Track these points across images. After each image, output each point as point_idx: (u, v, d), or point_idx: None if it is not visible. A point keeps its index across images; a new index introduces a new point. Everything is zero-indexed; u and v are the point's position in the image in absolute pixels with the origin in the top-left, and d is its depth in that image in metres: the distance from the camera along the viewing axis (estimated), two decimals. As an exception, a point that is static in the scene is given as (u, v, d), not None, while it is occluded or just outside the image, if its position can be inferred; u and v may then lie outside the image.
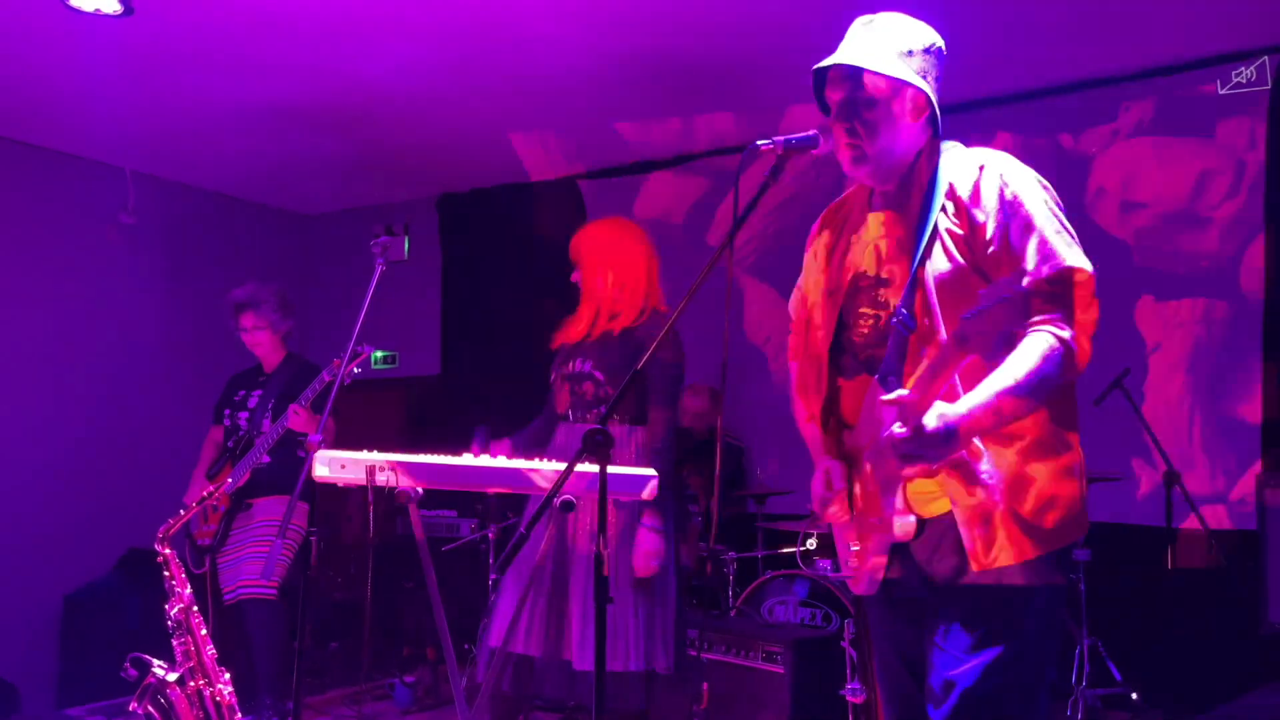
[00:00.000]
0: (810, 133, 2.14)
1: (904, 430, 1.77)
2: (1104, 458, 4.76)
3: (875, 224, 2.12)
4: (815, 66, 2.12)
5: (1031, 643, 1.92)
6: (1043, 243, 1.86)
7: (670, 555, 3.13)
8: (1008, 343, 1.86)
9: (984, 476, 1.89)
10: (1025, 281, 1.84)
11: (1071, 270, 1.85)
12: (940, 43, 2.11)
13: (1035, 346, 1.81)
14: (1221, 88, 4.85)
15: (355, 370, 3.59)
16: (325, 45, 4.81)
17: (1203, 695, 3.99)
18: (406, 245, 7.66)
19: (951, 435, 1.76)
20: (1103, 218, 5.09)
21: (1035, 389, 1.80)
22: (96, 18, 3.95)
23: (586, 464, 2.12)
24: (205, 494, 3.77)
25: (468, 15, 4.58)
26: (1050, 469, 1.91)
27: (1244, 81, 4.81)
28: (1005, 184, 1.94)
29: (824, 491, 2.17)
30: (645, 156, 6.52)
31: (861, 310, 2.09)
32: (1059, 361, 1.80)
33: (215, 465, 4.36)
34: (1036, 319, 1.84)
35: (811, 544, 4.68)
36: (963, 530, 1.91)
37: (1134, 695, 4.35)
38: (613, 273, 3.28)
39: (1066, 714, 4.09)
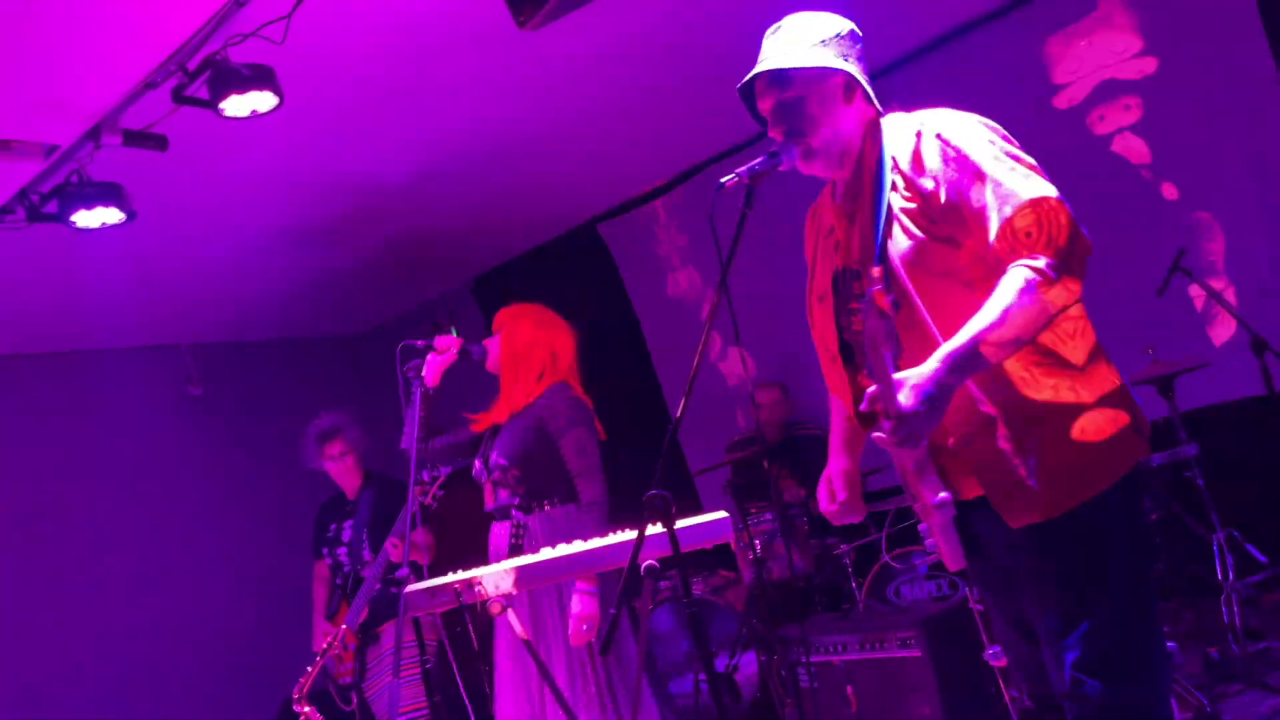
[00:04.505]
0: (771, 152, 2.18)
1: (888, 422, 1.76)
2: (1186, 345, 4.62)
3: (840, 217, 2.14)
4: (738, 86, 2.14)
5: (1124, 588, 1.87)
6: (997, 185, 1.82)
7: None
8: (990, 283, 1.82)
9: (1001, 442, 1.87)
10: (993, 228, 1.82)
11: (1033, 202, 1.79)
12: (851, 26, 2.11)
13: (1010, 282, 1.77)
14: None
15: (439, 493, 3.67)
16: (330, 162, 4.98)
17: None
18: (455, 335, 7.85)
19: (932, 397, 1.74)
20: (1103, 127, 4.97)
21: (1014, 324, 1.75)
22: (104, 230, 4.16)
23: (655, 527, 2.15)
24: (327, 645, 3.94)
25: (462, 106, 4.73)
26: (1074, 413, 1.86)
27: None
28: (945, 142, 1.91)
29: (829, 505, 2.23)
30: (654, 183, 6.59)
31: (850, 307, 2.10)
32: (1034, 292, 1.74)
33: (331, 604, 4.50)
34: (1013, 256, 1.80)
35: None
36: (994, 502, 1.89)
37: (1285, 573, 4.20)
38: (516, 356, 3.39)
39: (1222, 612, 3.95)
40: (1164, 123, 4.81)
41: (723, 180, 2.15)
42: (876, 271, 1.73)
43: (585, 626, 3.04)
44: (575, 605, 3.04)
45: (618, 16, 4.04)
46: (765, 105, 2.12)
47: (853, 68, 2.06)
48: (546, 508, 3.25)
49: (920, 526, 2.15)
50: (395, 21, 3.83)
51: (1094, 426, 1.87)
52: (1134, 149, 4.89)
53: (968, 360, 1.76)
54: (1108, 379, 1.93)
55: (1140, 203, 4.86)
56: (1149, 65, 4.83)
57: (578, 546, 2.54)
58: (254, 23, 3.33)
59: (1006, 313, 1.75)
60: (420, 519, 3.77)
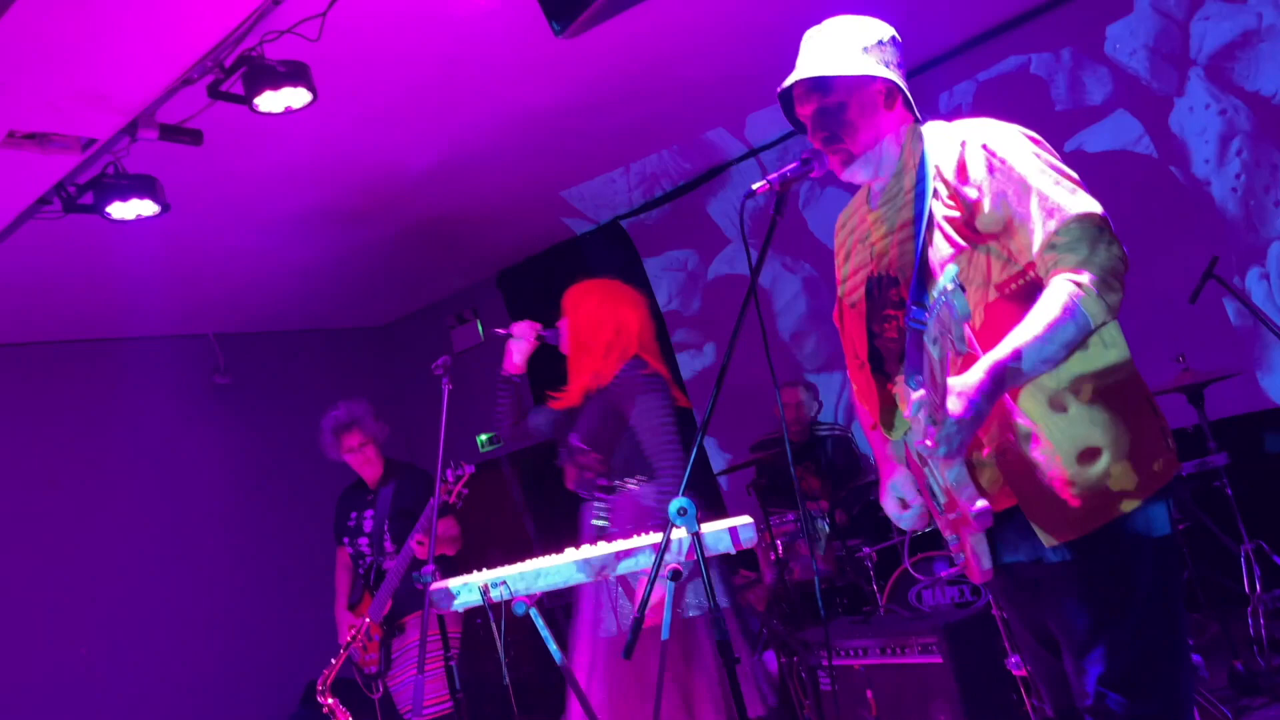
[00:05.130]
0: (801, 160, 2.17)
1: (933, 428, 1.77)
2: (1217, 354, 4.58)
3: (876, 223, 2.13)
4: (779, 89, 2.13)
5: (1149, 603, 1.86)
6: (1043, 198, 1.83)
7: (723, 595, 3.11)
8: (1032, 295, 1.83)
9: (1035, 454, 1.87)
10: (1036, 240, 1.82)
11: (1079, 217, 1.80)
12: (892, 32, 2.10)
13: (1053, 296, 1.78)
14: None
15: (464, 491, 3.69)
16: (360, 156, 5.02)
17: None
18: (480, 328, 7.89)
19: (978, 406, 1.76)
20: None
21: (1057, 338, 1.76)
22: (139, 222, 4.20)
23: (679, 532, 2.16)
24: (350, 638, 3.97)
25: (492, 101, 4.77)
26: (1108, 426, 1.86)
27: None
28: (991, 153, 1.91)
29: (901, 510, 2.19)
30: (679, 181, 6.60)
31: (885, 314, 2.09)
32: (1077, 308, 1.76)
33: (353, 595, 4.50)
34: (1054, 270, 1.81)
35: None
36: (1029, 514, 1.88)
37: (1314, 588, 4.15)
38: (582, 336, 3.32)
39: (1248, 623, 3.92)
40: (1200, 127, 4.76)
41: (754, 186, 2.15)
42: (952, 271, 1.72)
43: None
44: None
45: (650, 17, 4.04)
46: (805, 111, 2.11)
47: (894, 75, 2.05)
48: (629, 486, 3.21)
49: (947, 536, 2.15)
50: (428, 18, 3.85)
51: (1129, 441, 1.86)
52: (1169, 153, 4.84)
53: (1011, 372, 1.77)
54: (1140, 392, 1.93)
55: (1174, 209, 4.82)
56: (1185, 67, 4.78)
57: (602, 549, 2.56)
58: (289, 20, 3.36)
59: (1049, 327, 1.76)
60: (444, 514, 3.79)
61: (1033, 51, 5.13)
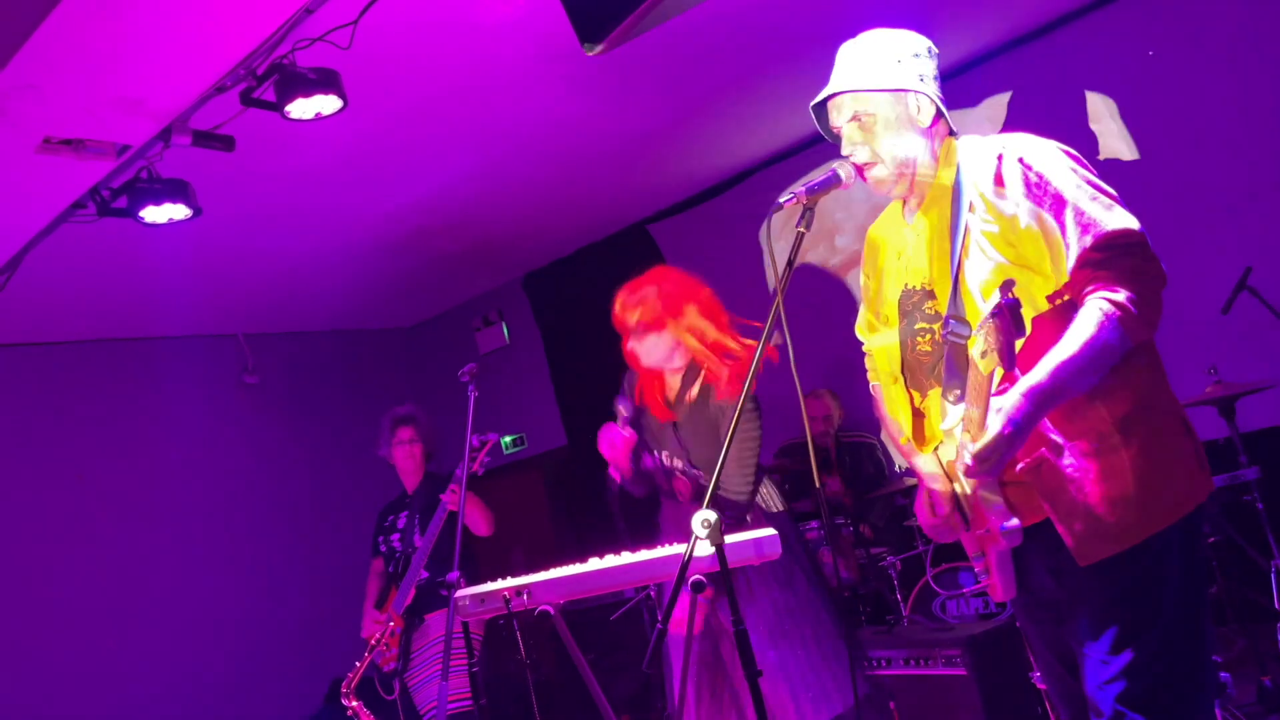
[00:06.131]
0: (831, 172, 2.16)
1: (974, 445, 1.77)
2: (1250, 366, 4.52)
3: (912, 237, 2.11)
4: (812, 104, 2.13)
5: (1173, 623, 1.84)
6: (1079, 214, 1.81)
7: (809, 585, 3.11)
8: (1068, 313, 1.82)
9: (1069, 470, 1.85)
10: (1072, 256, 1.81)
11: (1115, 234, 1.78)
12: (928, 44, 2.09)
13: (1089, 316, 1.76)
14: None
15: (486, 459, 3.77)
16: (388, 161, 5.07)
17: None
18: (505, 330, 7.94)
19: (1018, 425, 1.75)
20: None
21: (1095, 358, 1.75)
22: (171, 225, 4.26)
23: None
24: (375, 638, 4.00)
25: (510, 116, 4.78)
26: (1142, 443, 1.84)
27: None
28: (1027, 167, 1.89)
29: (930, 518, 2.17)
30: (705, 186, 6.60)
31: (918, 327, 2.08)
32: (1115, 327, 1.74)
33: (382, 594, 4.59)
34: (1090, 288, 1.79)
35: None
36: (1061, 529, 1.87)
37: (1344, 605, 4.09)
38: (694, 334, 3.18)
39: (1277, 639, 3.87)
40: (1234, 136, 4.71)
41: (781, 200, 2.14)
42: (1007, 287, 1.71)
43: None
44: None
45: (674, 26, 4.04)
46: (838, 123, 2.10)
47: (929, 88, 2.04)
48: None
49: (972, 554, 2.14)
50: (457, 26, 3.88)
51: (1162, 461, 1.85)
52: (1201, 162, 4.79)
53: (1049, 394, 1.77)
54: (1174, 410, 1.91)
55: (1207, 217, 4.77)
56: (1216, 76, 4.73)
57: (625, 559, 2.56)
58: (321, 28, 3.39)
59: (1086, 345, 1.75)
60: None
61: (1068, 57, 5.09)
